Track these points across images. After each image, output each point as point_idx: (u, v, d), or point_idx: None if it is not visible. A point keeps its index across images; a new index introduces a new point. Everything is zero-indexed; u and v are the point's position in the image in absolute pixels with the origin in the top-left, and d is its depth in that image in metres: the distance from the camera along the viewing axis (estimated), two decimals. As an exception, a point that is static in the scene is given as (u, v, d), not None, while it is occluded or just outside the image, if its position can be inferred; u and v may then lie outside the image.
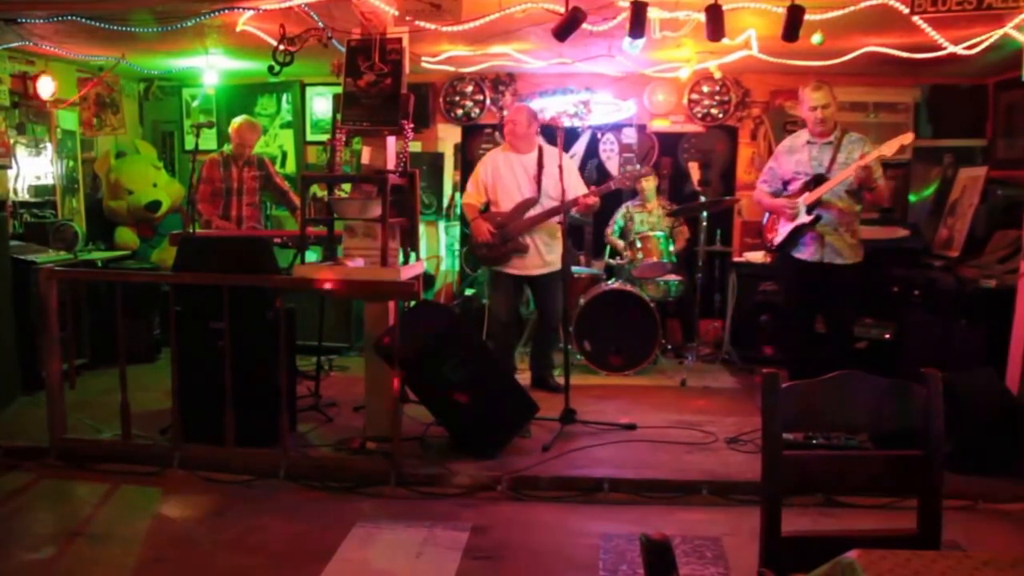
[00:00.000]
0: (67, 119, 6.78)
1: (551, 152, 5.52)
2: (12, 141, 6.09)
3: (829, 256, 4.74)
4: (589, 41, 5.32)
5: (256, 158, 6.25)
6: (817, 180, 4.71)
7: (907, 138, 4.49)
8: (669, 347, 6.82)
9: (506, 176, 5.38)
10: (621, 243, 6.57)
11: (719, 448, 4.56)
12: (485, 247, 5.38)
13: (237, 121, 6.09)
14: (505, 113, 5.54)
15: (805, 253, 4.81)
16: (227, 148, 6.15)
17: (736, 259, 6.90)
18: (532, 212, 5.33)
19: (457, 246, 7.49)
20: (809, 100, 4.69)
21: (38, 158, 6.42)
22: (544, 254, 5.40)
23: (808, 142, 4.82)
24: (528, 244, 5.33)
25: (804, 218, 4.72)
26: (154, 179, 7.08)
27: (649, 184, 6.64)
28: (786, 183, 4.93)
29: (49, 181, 6.55)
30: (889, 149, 4.45)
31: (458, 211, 7.05)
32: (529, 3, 4.48)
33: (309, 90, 7.56)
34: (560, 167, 4.92)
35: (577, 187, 5.34)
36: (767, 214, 5.16)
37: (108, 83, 7.17)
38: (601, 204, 5.71)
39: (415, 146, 6.49)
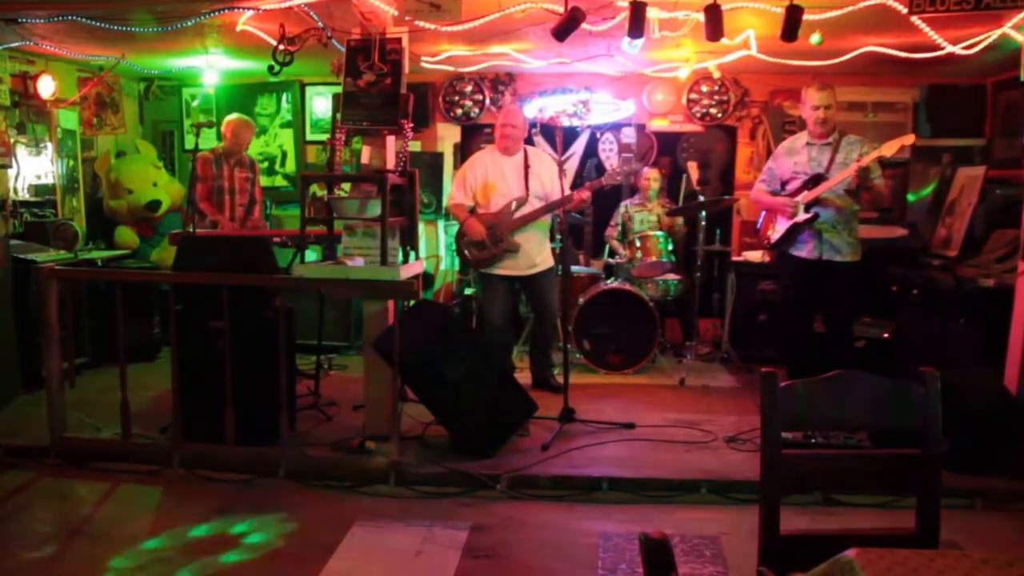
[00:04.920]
0: (67, 119, 6.79)
1: (535, 153, 5.55)
2: (12, 140, 6.10)
3: (828, 253, 4.76)
4: (588, 41, 5.33)
5: (248, 159, 6.27)
6: (816, 179, 4.73)
7: (908, 139, 4.50)
8: (668, 346, 6.82)
9: (496, 178, 5.38)
10: (620, 246, 6.59)
11: (718, 447, 4.57)
12: (475, 248, 5.36)
13: (231, 119, 6.10)
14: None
15: (803, 251, 4.83)
16: (219, 145, 6.16)
17: (735, 258, 6.91)
18: (522, 211, 5.33)
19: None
20: (812, 100, 4.71)
21: (38, 157, 6.42)
22: (535, 254, 5.40)
23: (807, 143, 4.84)
24: (519, 243, 5.33)
25: (802, 216, 4.74)
26: (154, 178, 7.09)
27: (652, 184, 6.66)
28: (784, 183, 4.95)
29: (49, 180, 6.55)
30: (889, 149, 4.46)
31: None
32: (528, 3, 4.48)
33: (309, 90, 7.57)
34: (560, 166, 4.94)
35: (559, 185, 5.28)
36: (763, 213, 5.17)
37: (108, 83, 7.18)
38: (600, 202, 5.71)
39: (414, 145, 6.49)
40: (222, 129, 6.15)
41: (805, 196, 4.73)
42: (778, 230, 4.92)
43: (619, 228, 6.73)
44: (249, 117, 6.48)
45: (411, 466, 4.20)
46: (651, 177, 6.68)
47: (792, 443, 4.09)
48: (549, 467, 4.21)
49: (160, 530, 3.65)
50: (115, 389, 4.45)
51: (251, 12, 4.74)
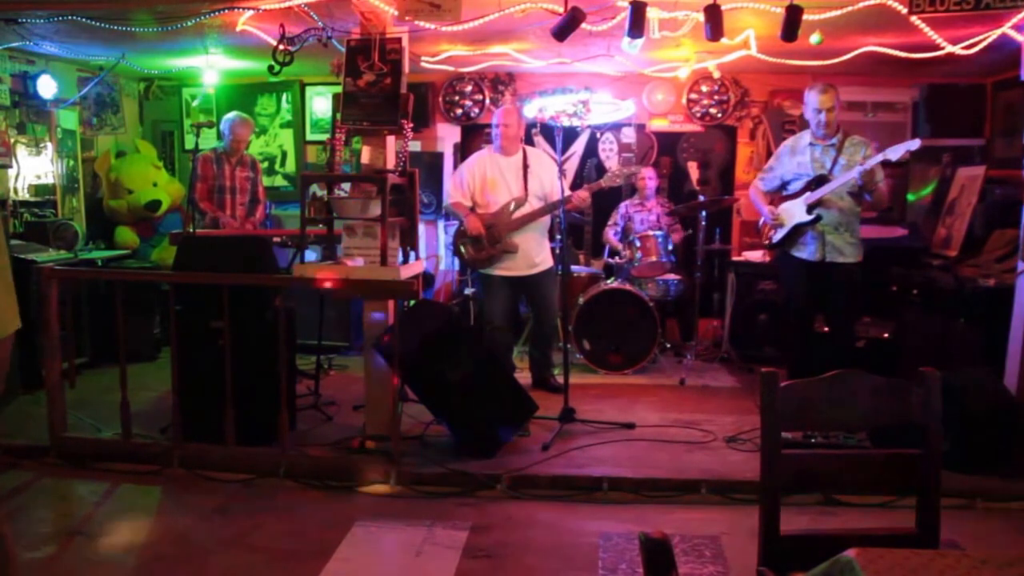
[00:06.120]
0: (67, 119, 6.79)
1: (534, 153, 5.54)
2: (12, 140, 6.10)
3: (831, 255, 4.75)
4: (588, 41, 5.33)
5: (249, 158, 6.28)
6: (819, 181, 4.71)
7: (913, 144, 4.46)
8: (668, 346, 6.83)
9: (495, 178, 5.38)
10: (619, 244, 6.59)
11: (718, 447, 4.57)
12: (473, 248, 5.36)
13: (230, 117, 6.10)
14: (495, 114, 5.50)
15: (806, 252, 4.81)
16: (219, 145, 6.17)
17: (735, 258, 6.92)
18: (521, 211, 5.33)
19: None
20: (814, 102, 4.68)
21: (38, 157, 6.42)
22: (534, 255, 5.40)
23: (810, 143, 4.82)
24: (517, 244, 5.32)
25: (804, 217, 4.73)
26: (154, 178, 7.09)
27: (649, 184, 6.66)
28: (786, 183, 4.93)
29: (49, 180, 6.55)
30: (894, 153, 4.43)
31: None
32: (528, 3, 4.48)
33: (309, 90, 7.57)
34: (560, 166, 4.94)
35: (558, 186, 5.25)
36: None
37: (108, 82, 7.18)
38: (601, 202, 5.70)
39: (414, 145, 6.49)
40: (221, 128, 6.16)
41: (808, 197, 4.72)
42: (779, 231, 4.91)
43: (619, 228, 6.72)
44: (248, 116, 6.48)
45: (411, 466, 4.20)
46: (648, 177, 6.68)
47: (792, 443, 4.09)
48: (549, 467, 4.21)
49: (160, 530, 3.65)
50: (115, 389, 4.45)
51: (251, 12, 4.74)
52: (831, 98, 4.66)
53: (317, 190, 5.60)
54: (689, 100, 7.14)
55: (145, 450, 4.38)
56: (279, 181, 7.72)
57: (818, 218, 4.70)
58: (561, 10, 4.34)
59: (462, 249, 5.45)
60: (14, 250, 5.50)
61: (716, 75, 6.67)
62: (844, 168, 4.66)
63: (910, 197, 6.91)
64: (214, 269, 4.35)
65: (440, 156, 7.43)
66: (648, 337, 6.12)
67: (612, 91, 7.12)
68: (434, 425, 4.61)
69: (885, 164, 4.60)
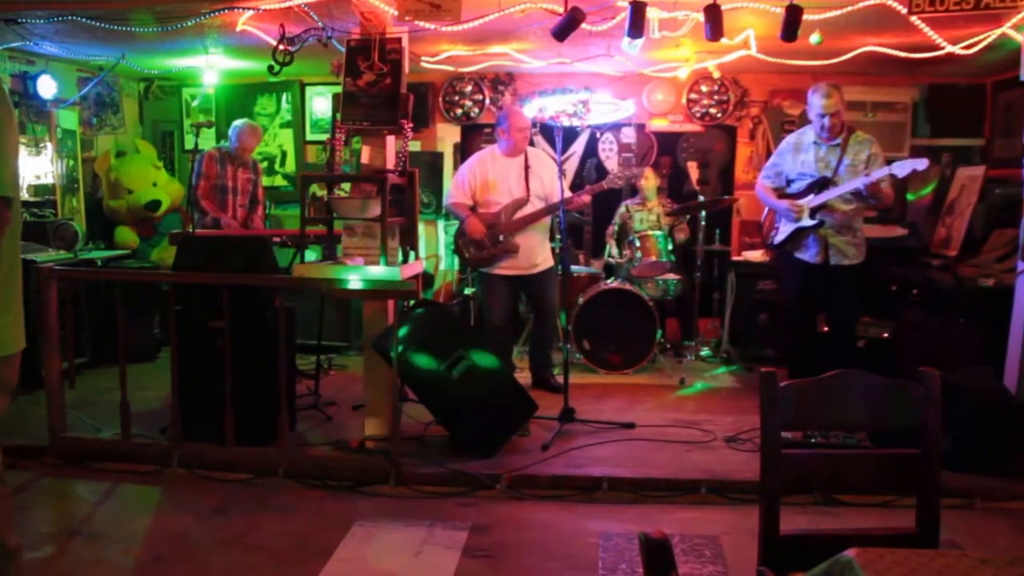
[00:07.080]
0: (67, 119, 6.79)
1: (535, 153, 5.54)
2: (12, 140, 6.09)
3: (835, 258, 4.72)
4: (588, 41, 5.33)
5: (251, 161, 6.29)
6: (822, 183, 4.68)
7: (921, 164, 4.39)
8: (668, 346, 6.82)
9: (497, 178, 5.38)
10: (614, 246, 6.59)
11: (718, 447, 4.57)
12: (474, 247, 5.36)
13: (239, 125, 6.12)
14: (504, 116, 5.47)
15: (808, 255, 4.79)
16: (224, 144, 6.17)
17: (735, 258, 6.91)
18: (522, 212, 5.33)
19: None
20: (818, 107, 4.61)
21: (38, 157, 6.42)
22: (535, 255, 5.40)
23: (814, 142, 4.77)
24: (518, 245, 5.32)
25: (808, 221, 4.71)
26: (154, 178, 7.10)
27: (649, 184, 6.66)
28: (790, 181, 4.90)
29: (49, 180, 6.55)
30: (900, 170, 4.38)
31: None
32: (528, 3, 4.48)
33: (309, 90, 7.57)
34: (560, 166, 4.94)
35: (559, 187, 5.23)
36: (766, 210, 5.14)
37: (108, 82, 7.18)
38: (601, 202, 5.69)
39: (414, 145, 6.49)
40: (229, 132, 6.18)
41: (811, 200, 4.69)
42: (782, 231, 4.89)
43: (616, 227, 6.71)
44: (252, 120, 6.49)
45: (411, 466, 4.20)
46: (649, 176, 6.68)
47: (792, 443, 4.09)
48: (549, 467, 4.21)
49: (159, 530, 3.65)
50: (115, 389, 4.45)
51: (251, 12, 4.74)
52: (835, 103, 4.56)
53: (317, 190, 5.60)
54: (689, 100, 7.14)
55: (145, 450, 4.38)
56: (279, 181, 7.72)
57: (821, 223, 4.67)
58: (561, 10, 4.34)
59: (463, 248, 5.45)
60: (14, 250, 5.51)
61: (716, 75, 6.67)
62: (849, 167, 4.62)
63: (910, 197, 6.91)
64: (214, 269, 4.35)
65: (440, 156, 7.43)
66: (648, 337, 6.12)
67: (612, 91, 7.12)
68: (434, 425, 4.61)
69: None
